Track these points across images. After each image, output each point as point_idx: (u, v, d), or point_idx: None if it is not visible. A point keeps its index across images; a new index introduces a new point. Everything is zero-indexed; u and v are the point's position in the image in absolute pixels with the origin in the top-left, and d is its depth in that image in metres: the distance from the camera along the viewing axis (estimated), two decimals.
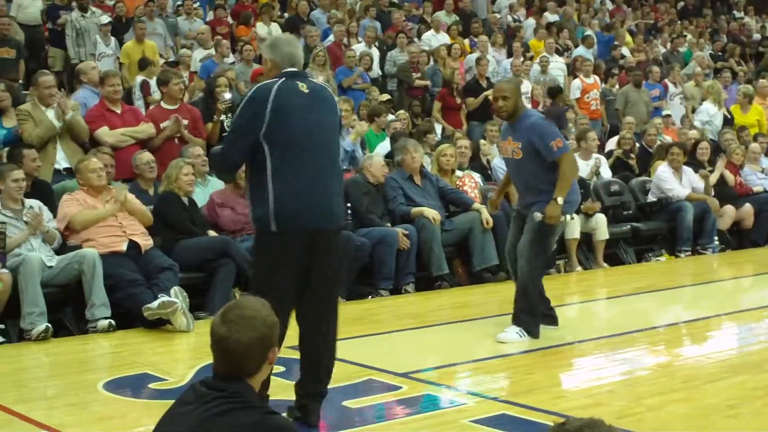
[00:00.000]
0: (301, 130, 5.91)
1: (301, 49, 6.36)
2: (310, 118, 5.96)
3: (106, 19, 16.65)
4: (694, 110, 18.71)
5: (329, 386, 6.24)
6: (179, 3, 19.20)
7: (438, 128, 15.70)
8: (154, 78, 14.05)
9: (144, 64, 15.43)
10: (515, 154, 8.42)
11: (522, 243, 8.39)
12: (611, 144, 16.06)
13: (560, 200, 8.13)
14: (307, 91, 6.01)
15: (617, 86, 19.19)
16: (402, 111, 15.51)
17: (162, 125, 11.15)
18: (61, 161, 10.58)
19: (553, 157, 8.24)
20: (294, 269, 5.94)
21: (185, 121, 11.33)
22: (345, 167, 11.93)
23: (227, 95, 11.71)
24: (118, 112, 11.02)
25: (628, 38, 23.40)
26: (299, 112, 5.93)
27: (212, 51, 16.53)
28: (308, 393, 6.14)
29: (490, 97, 16.37)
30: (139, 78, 15.05)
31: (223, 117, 11.66)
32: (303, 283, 5.99)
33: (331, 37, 18.29)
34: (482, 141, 14.33)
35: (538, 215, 8.19)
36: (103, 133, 10.76)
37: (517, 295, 8.47)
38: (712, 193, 14.14)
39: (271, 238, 5.93)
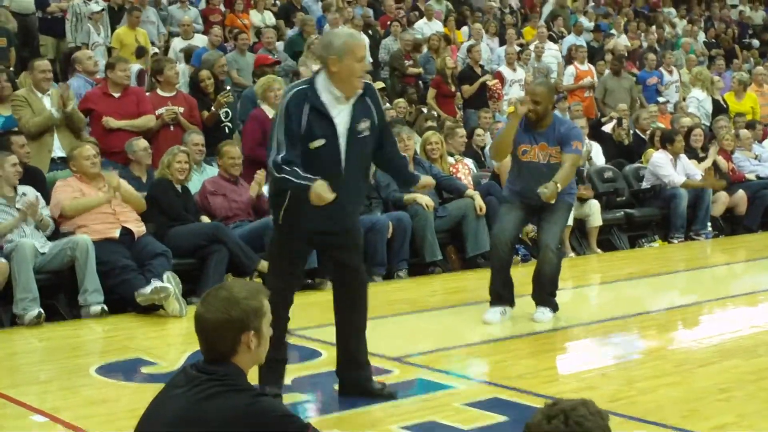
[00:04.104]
0: None
1: (322, 43, 6.35)
2: None
3: (97, 7, 16.62)
4: (684, 98, 18.73)
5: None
6: None
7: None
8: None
9: (141, 52, 15.41)
10: (553, 158, 8.38)
11: (550, 234, 8.49)
12: (607, 128, 16.04)
13: (560, 186, 8.13)
14: None
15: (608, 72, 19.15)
16: (401, 99, 15.51)
17: (157, 112, 11.14)
18: (57, 149, 10.56)
19: (568, 152, 8.32)
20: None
21: (181, 109, 11.32)
22: None
23: (228, 87, 11.71)
24: (117, 96, 10.98)
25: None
26: None
27: (193, 41, 16.42)
28: None
29: (490, 83, 16.64)
30: (136, 66, 15.03)
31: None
32: None
33: (326, 26, 18.25)
34: (478, 130, 14.32)
35: (544, 191, 8.18)
36: (107, 121, 10.76)
37: (545, 279, 8.59)
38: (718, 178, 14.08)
39: None
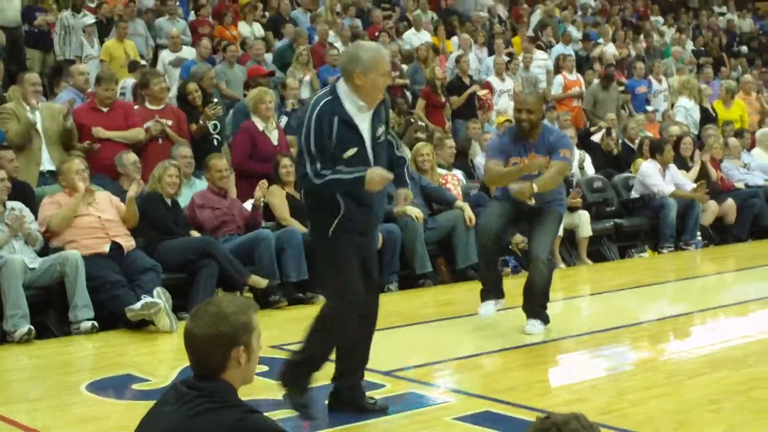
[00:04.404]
0: None
1: (347, 56, 6.32)
2: None
3: (90, 20, 16.62)
4: (673, 105, 18.78)
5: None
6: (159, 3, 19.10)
7: None
8: None
9: (134, 66, 15.41)
10: (543, 168, 8.36)
11: (541, 245, 8.47)
12: (596, 138, 16.06)
13: (536, 188, 8.14)
14: None
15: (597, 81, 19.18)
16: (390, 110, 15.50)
17: (145, 125, 11.12)
18: (46, 163, 10.54)
19: (556, 159, 8.33)
20: None
21: (169, 122, 11.30)
22: None
23: (215, 99, 11.69)
24: (105, 111, 10.96)
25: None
26: None
27: (181, 53, 16.41)
28: None
29: (480, 94, 16.65)
30: (130, 80, 15.03)
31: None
32: None
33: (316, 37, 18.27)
34: (474, 142, 14.36)
35: (513, 186, 8.24)
36: (97, 131, 10.75)
37: (536, 291, 8.57)
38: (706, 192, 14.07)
39: None
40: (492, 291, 8.77)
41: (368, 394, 6.47)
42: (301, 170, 6.09)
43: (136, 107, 11.67)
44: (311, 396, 6.30)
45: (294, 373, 6.27)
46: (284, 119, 13.40)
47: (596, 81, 18.65)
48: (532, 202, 8.26)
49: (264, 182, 10.39)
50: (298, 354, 6.35)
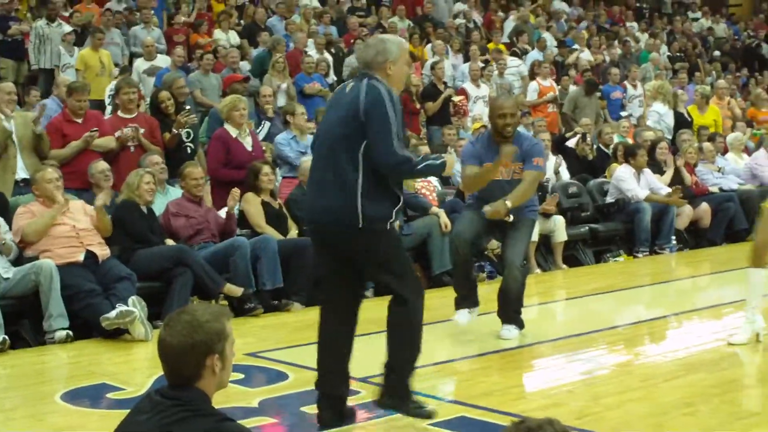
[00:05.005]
0: (319, 130, 6.47)
1: (374, 49, 6.34)
2: (327, 119, 6.33)
3: (68, 28, 16.60)
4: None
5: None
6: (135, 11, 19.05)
7: None
8: None
9: (124, 71, 15.46)
10: (516, 174, 8.43)
11: (515, 251, 8.49)
12: (571, 143, 16.10)
13: (509, 204, 8.19)
14: (347, 91, 6.20)
15: (574, 87, 19.25)
16: None
17: (116, 134, 11.07)
18: (20, 171, 10.50)
19: (529, 169, 8.39)
20: (324, 264, 6.42)
21: (142, 130, 11.26)
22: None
23: (187, 107, 11.65)
24: (80, 122, 10.93)
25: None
26: (326, 114, 6.46)
27: (156, 62, 16.39)
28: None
29: (455, 99, 16.66)
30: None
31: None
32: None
33: (292, 45, 18.29)
34: (449, 148, 14.37)
35: (487, 209, 8.27)
36: (55, 155, 10.69)
37: (511, 297, 8.60)
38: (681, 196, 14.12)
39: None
40: (467, 299, 8.78)
41: None
42: (395, 156, 5.99)
43: (107, 116, 11.62)
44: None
45: (405, 388, 6.22)
46: (267, 125, 13.39)
47: (574, 87, 18.72)
48: (510, 218, 8.32)
49: (235, 191, 10.37)
50: (398, 370, 6.25)
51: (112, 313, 8.60)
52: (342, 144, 6.02)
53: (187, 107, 12.07)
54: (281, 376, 7.55)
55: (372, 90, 6.06)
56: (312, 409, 6.55)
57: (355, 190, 5.97)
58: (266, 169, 10.64)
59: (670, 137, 16.91)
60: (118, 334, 8.73)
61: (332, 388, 6.24)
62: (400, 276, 6.21)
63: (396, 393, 6.18)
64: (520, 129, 9.42)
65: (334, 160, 6.04)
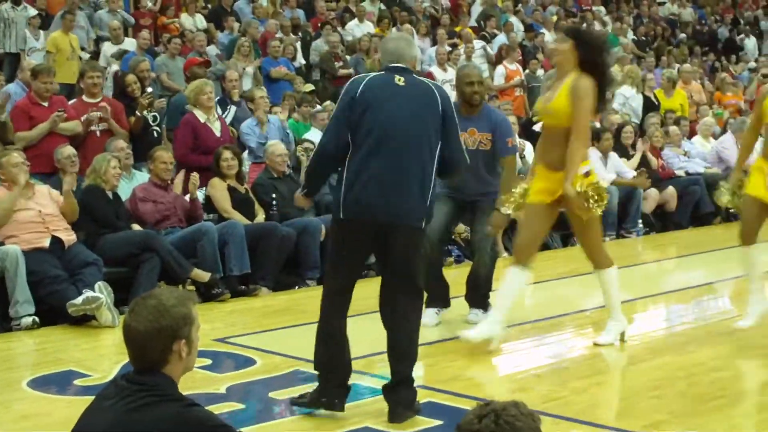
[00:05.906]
0: (385, 122, 6.01)
1: (410, 45, 6.45)
2: (396, 112, 6.03)
3: (33, 12, 16.48)
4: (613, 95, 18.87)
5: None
6: None
7: None
8: None
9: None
10: (482, 145, 8.40)
11: (483, 235, 8.51)
12: (538, 127, 16.09)
13: (504, 210, 8.15)
14: (402, 84, 6.10)
15: (541, 71, 19.22)
16: (330, 102, 15.47)
17: (82, 118, 11.00)
18: None
19: (506, 154, 8.43)
20: (353, 257, 6.23)
21: (107, 111, 11.19)
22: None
23: (149, 89, 11.58)
24: (46, 105, 10.85)
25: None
26: (387, 105, 6.03)
27: (123, 45, 16.30)
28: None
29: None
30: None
31: (145, 112, 11.61)
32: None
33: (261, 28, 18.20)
34: None
35: (489, 229, 8.37)
36: (22, 137, 10.62)
37: (479, 281, 8.67)
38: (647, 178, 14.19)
39: (339, 224, 6.18)
40: (438, 299, 8.76)
41: (309, 386, 6.43)
42: (466, 156, 6.41)
43: (72, 101, 11.53)
44: None
45: (412, 381, 6.28)
46: (233, 109, 13.33)
47: (547, 71, 18.74)
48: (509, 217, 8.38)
49: (195, 176, 10.33)
50: (413, 356, 6.33)
51: (79, 299, 8.55)
52: (426, 140, 6.05)
53: (149, 89, 11.97)
54: (249, 362, 7.54)
55: (440, 88, 6.22)
56: (281, 394, 6.57)
57: (429, 188, 6.07)
58: (226, 154, 10.56)
59: (637, 121, 16.95)
60: (84, 321, 8.69)
61: (344, 378, 6.26)
62: (419, 269, 6.30)
63: (410, 401, 6.23)
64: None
65: (419, 157, 6.04)
